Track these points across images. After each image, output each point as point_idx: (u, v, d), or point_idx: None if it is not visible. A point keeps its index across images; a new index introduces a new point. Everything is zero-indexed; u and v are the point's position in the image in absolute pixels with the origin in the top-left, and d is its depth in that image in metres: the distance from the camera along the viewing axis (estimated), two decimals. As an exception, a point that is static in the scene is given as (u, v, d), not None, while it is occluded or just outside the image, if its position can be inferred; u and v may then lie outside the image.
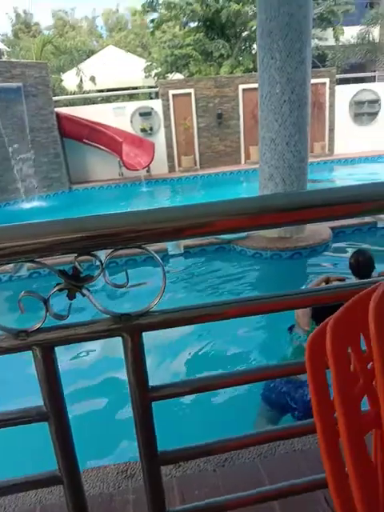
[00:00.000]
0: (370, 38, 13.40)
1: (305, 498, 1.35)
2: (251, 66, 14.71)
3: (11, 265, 4.91)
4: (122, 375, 0.99)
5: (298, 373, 0.86)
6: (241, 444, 1.25)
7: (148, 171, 11.82)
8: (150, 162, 11.56)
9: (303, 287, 3.41)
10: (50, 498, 1.55)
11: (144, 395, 0.96)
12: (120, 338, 0.93)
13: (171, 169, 12.48)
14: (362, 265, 2.92)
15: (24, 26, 31.02)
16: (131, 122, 12.05)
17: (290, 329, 2.90)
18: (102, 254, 0.89)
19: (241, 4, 14.77)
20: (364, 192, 0.98)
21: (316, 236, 5.58)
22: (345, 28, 16.39)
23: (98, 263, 0.86)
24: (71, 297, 0.86)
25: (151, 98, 14.66)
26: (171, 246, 5.75)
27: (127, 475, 1.69)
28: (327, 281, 2.92)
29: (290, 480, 1.66)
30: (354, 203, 0.96)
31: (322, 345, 0.67)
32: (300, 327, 2.80)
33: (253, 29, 14.72)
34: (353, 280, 2.93)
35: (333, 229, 5.77)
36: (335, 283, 2.82)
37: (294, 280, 4.99)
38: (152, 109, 12.06)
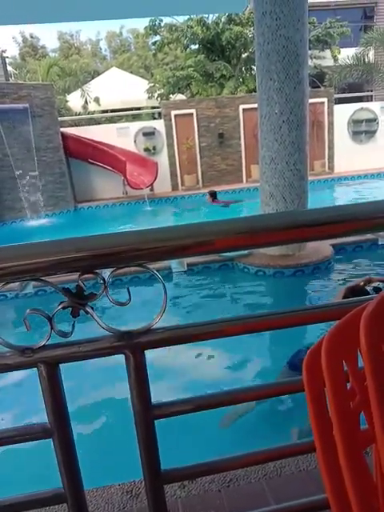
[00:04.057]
0: (366, 60, 13.72)
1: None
2: (253, 87, 14.98)
3: (17, 282, 4.94)
4: (126, 392, 1.00)
5: (299, 390, 0.87)
6: (245, 462, 1.24)
7: (151, 190, 11.94)
8: (154, 181, 11.69)
9: (342, 287, 3.41)
10: (53, 519, 1.54)
11: (146, 413, 0.96)
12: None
13: (174, 187, 12.60)
14: None
15: (30, 49, 31.85)
16: (135, 141, 12.23)
17: None
18: (106, 273, 0.92)
19: (239, 26, 15.14)
20: (351, 212, 1.01)
21: (318, 253, 5.60)
22: (341, 49, 16.76)
23: (101, 281, 0.88)
24: (75, 314, 0.88)
25: (154, 118, 14.91)
26: (175, 264, 5.77)
27: (132, 495, 1.67)
28: (369, 281, 2.92)
29: (295, 500, 1.64)
30: (342, 222, 0.99)
31: (319, 362, 0.68)
32: None
33: (252, 50, 15.05)
34: None
35: (334, 246, 5.79)
36: (376, 285, 2.83)
37: (296, 297, 4.98)
38: (155, 129, 12.25)
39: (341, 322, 0.68)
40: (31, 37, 33.64)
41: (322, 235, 1.06)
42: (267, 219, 1.10)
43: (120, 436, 2.58)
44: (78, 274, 0.87)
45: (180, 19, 16.56)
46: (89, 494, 1.70)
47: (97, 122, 15.95)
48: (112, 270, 0.90)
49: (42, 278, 0.86)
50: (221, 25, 15.53)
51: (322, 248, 5.72)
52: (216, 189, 12.20)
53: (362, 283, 3.19)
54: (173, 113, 12.12)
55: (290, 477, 1.78)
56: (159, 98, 16.26)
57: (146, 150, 12.20)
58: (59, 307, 0.86)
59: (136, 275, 5.24)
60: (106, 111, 17.47)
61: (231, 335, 1.03)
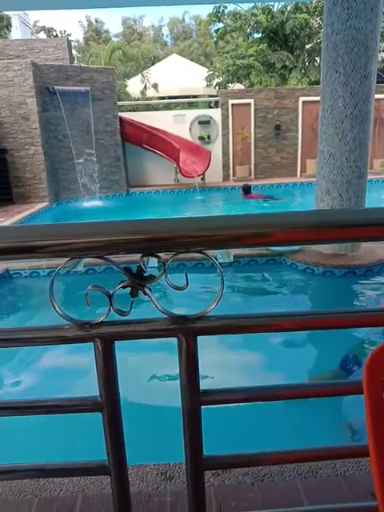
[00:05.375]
0: None
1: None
2: (316, 78, 14.56)
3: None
4: (174, 375, 1.01)
5: (355, 392, 0.84)
6: (285, 459, 1.23)
7: (202, 179, 11.94)
8: (206, 170, 11.68)
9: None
10: (92, 489, 1.60)
11: (194, 398, 0.97)
12: (175, 339, 0.95)
13: (225, 177, 12.53)
14: None
15: (95, 33, 32.52)
16: (190, 129, 12.25)
17: None
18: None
19: (305, 14, 14.68)
20: None
21: (372, 255, 5.38)
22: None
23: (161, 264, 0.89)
24: (133, 295, 0.89)
25: (210, 107, 14.84)
26: (221, 255, 5.75)
27: (166, 477, 1.71)
28: None
29: (330, 504, 1.61)
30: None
31: (381, 364, 0.66)
32: None
33: (316, 41, 14.57)
34: None
35: (389, 249, 5.54)
36: None
37: (346, 299, 4.82)
38: (211, 117, 12.20)
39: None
40: (96, 21, 34.34)
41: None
42: (337, 214, 1.06)
43: (162, 417, 2.64)
44: (140, 255, 0.88)
45: (244, 7, 16.28)
46: (126, 469, 1.76)
47: (154, 108, 16.09)
48: (172, 253, 0.90)
49: (106, 257, 0.88)
50: (286, 13, 15.11)
51: (377, 250, 5.49)
52: (268, 181, 12.03)
53: None
54: (230, 102, 12.01)
55: (327, 479, 1.75)
56: (217, 87, 16.14)
57: (201, 138, 12.20)
58: (119, 286, 0.88)
59: (181, 262, 5.26)
60: (163, 97, 17.58)
61: (285, 330, 1.01)
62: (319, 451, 1.20)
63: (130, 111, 13.74)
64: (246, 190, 10.28)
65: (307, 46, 15.66)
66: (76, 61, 19.05)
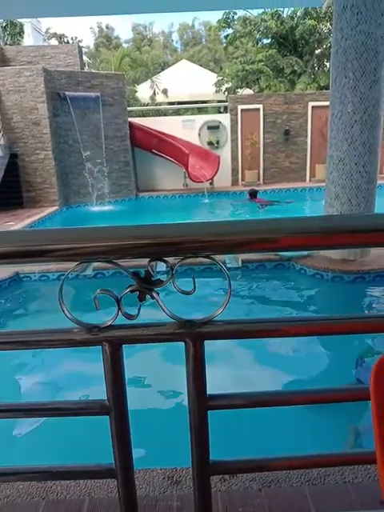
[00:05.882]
0: None
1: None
2: (325, 83, 14.55)
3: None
4: (181, 380, 1.01)
5: (363, 398, 0.84)
6: (292, 464, 1.23)
7: (211, 183, 11.96)
8: (214, 175, 11.70)
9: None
10: (99, 493, 1.60)
11: (201, 403, 0.97)
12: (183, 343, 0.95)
13: (234, 182, 12.54)
14: None
15: (105, 39, 32.85)
16: (199, 134, 12.30)
17: None
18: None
19: (315, 20, 14.69)
20: None
21: (381, 260, 5.34)
22: None
23: (169, 269, 0.89)
24: (141, 298, 0.90)
25: (220, 112, 14.89)
26: (229, 259, 5.74)
27: (173, 481, 1.70)
28: None
29: (338, 511, 1.59)
30: None
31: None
32: None
33: (326, 46, 14.58)
34: None
35: (399, 254, 5.49)
36: None
37: (355, 305, 4.78)
38: (220, 123, 12.24)
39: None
40: (107, 27, 34.67)
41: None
42: (339, 220, 1.06)
43: (169, 422, 2.63)
44: (148, 260, 0.89)
45: (254, 12, 16.35)
46: (132, 473, 1.76)
47: (163, 113, 16.18)
48: (180, 258, 0.91)
49: (114, 261, 0.89)
50: (296, 19, 15.15)
51: (386, 255, 5.45)
52: (277, 186, 12.02)
53: None
54: (239, 107, 12.04)
55: (334, 486, 1.73)
56: (226, 92, 16.21)
57: (210, 143, 12.24)
58: (127, 290, 0.89)
59: (190, 267, 5.24)
60: (172, 103, 17.68)
61: (293, 336, 1.01)
62: (327, 457, 1.19)
63: (140, 117, 13.83)
64: (253, 194, 10.35)
65: (317, 52, 15.67)
66: (87, 67, 19.26)
